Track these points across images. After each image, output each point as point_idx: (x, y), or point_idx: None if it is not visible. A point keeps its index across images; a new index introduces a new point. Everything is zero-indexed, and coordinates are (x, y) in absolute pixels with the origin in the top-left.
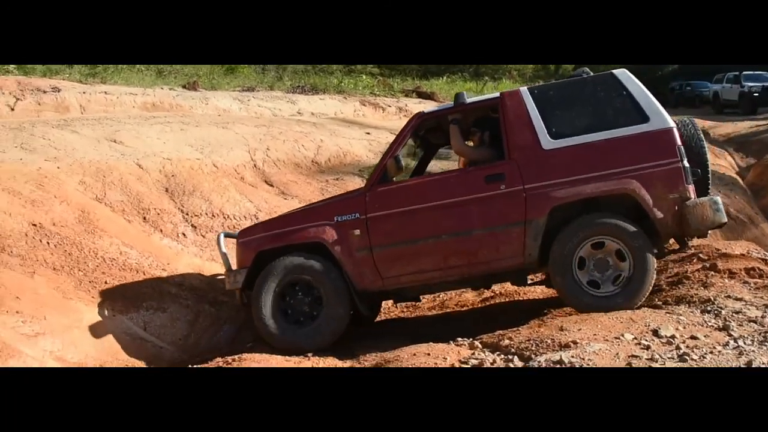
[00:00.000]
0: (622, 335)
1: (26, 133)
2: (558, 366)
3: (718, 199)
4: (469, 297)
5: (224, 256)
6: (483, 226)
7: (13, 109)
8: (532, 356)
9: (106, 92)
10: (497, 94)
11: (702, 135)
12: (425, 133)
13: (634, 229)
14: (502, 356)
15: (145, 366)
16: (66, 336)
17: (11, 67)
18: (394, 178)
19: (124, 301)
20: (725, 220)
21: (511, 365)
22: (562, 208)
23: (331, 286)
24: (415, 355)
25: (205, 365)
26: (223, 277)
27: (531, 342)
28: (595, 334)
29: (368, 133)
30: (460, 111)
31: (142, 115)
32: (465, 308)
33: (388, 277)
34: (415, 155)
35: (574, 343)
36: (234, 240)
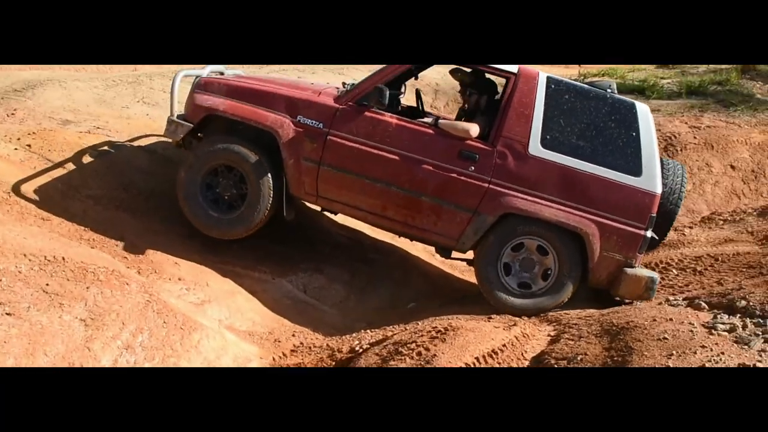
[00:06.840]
0: None
1: None
2: None
3: (657, 278)
4: None
5: (172, 96)
6: (434, 195)
7: None
8: None
9: None
10: (515, 68)
11: (684, 188)
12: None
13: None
14: (750, 320)
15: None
16: (231, 303)
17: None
18: (373, 108)
19: (281, 264)
20: (652, 299)
21: None
22: (514, 216)
23: (263, 185)
24: (655, 320)
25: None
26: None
27: None
28: None
29: None
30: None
31: None
32: None
33: (323, 197)
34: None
35: None
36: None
